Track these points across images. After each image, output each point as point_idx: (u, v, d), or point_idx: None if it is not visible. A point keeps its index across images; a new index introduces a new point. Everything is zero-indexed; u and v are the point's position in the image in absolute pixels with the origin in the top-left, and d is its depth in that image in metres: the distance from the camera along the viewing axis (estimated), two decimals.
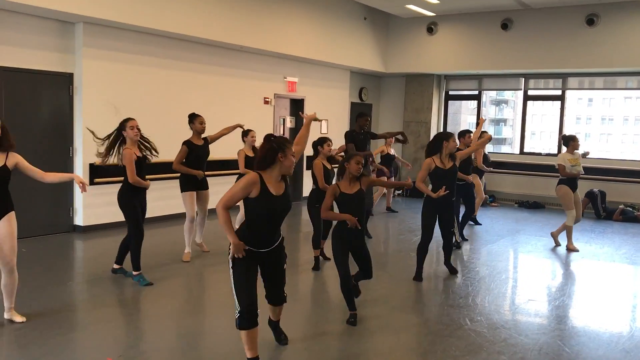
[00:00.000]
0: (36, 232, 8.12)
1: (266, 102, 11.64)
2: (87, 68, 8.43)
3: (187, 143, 6.97)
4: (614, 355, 4.59)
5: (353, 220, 4.89)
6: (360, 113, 8.81)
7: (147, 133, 6.37)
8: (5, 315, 4.82)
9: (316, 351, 4.51)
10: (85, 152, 8.39)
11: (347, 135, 8.44)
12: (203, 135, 7.11)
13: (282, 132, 12.31)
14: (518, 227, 10.45)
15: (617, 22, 11.59)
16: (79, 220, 8.56)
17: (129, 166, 5.78)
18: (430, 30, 13.52)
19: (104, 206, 8.56)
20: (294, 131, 12.60)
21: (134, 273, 6.02)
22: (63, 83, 8.39)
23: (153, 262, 6.80)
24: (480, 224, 10.35)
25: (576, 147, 8.29)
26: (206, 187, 7.23)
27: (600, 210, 11.64)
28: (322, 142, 6.85)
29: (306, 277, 6.73)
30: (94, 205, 8.58)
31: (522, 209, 12.75)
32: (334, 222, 5.23)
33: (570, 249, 8.39)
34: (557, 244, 8.63)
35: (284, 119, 12.38)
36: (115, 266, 6.28)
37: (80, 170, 8.40)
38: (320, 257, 7.12)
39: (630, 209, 11.60)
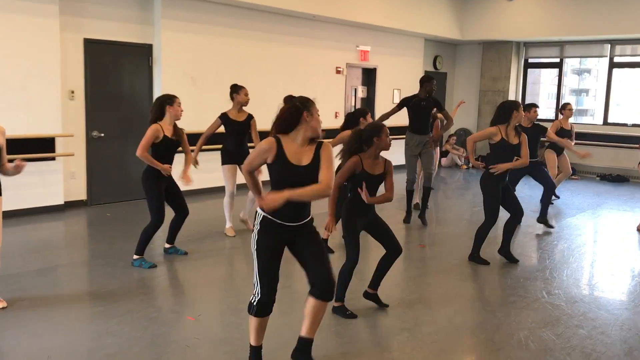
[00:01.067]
0: (120, 198, 8.52)
1: (338, 72, 11.60)
2: (165, 39, 8.66)
3: (222, 116, 6.58)
4: None
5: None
6: (425, 76, 7.72)
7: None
8: None
9: (376, 326, 4.53)
10: None
11: (403, 100, 7.63)
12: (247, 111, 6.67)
13: (353, 102, 12.26)
14: (599, 201, 10.01)
15: None
16: None
17: (144, 139, 5.36)
18: None
19: None
20: (366, 101, 12.52)
21: (134, 257, 5.62)
22: (143, 54, 8.66)
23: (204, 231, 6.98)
24: (551, 203, 9.32)
25: None
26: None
27: None
28: (364, 113, 6.16)
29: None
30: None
31: (604, 183, 12.20)
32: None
33: None
34: None
35: (355, 89, 12.31)
36: (167, 245, 6.07)
37: None
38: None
39: None
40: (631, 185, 11.80)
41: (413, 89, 13.28)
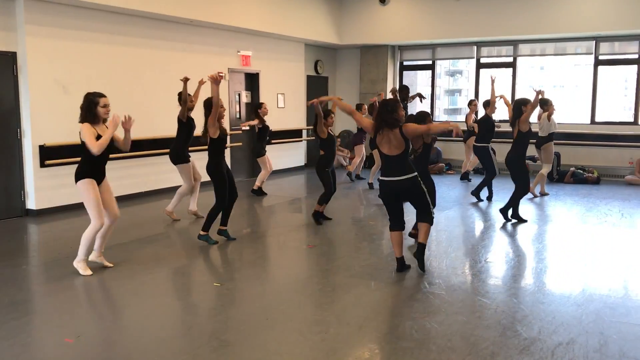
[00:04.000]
0: None
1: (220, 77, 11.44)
2: (31, 46, 8.13)
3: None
4: (565, 309, 4.76)
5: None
6: (402, 86, 9.32)
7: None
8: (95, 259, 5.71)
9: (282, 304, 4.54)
10: (34, 133, 8.14)
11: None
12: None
13: (237, 108, 12.19)
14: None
15: None
16: (32, 204, 8.32)
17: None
18: (382, 1, 13.50)
19: (57, 189, 8.36)
20: (250, 106, 12.47)
21: (201, 233, 6.78)
22: (6, 62, 8.07)
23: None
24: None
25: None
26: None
27: (554, 173, 12.00)
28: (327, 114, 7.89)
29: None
30: (46, 188, 8.36)
31: (476, 176, 12.97)
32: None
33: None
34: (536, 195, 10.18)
35: (239, 94, 12.24)
36: (221, 228, 6.95)
37: (30, 152, 8.13)
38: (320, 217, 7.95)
39: (580, 172, 11.98)
40: (500, 178, 12.64)
41: (297, 93, 13.50)
